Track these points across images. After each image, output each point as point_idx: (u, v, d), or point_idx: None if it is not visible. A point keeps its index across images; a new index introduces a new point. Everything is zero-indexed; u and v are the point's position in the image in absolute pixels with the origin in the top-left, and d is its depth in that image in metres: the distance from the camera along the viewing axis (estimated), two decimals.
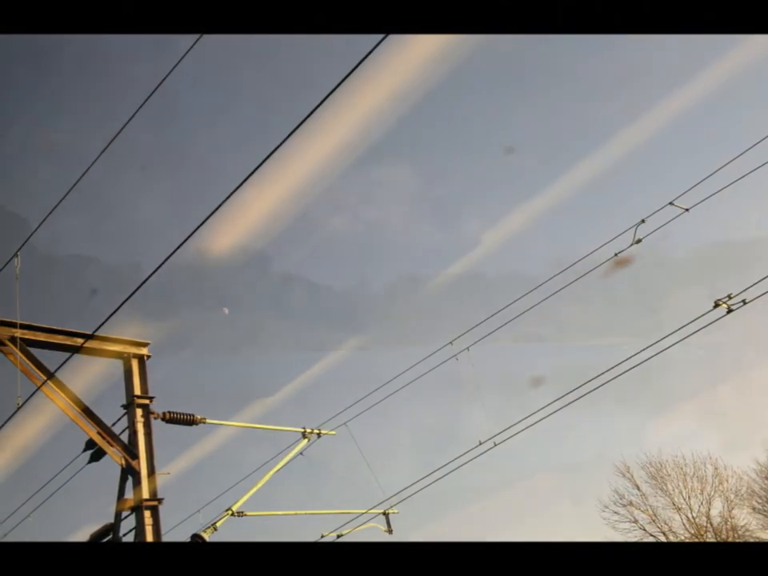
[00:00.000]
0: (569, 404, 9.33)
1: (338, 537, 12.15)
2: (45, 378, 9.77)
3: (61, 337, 10.38)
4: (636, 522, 33.45)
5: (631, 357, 8.89)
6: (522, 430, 9.74)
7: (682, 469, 33.91)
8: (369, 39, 4.44)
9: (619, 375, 8.98)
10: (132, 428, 10.32)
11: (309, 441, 12.85)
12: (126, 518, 10.03)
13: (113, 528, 10.08)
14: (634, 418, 41.17)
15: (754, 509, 33.14)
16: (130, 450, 10.18)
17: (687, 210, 9.35)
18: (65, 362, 9.37)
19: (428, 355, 11.74)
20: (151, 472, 10.13)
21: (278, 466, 12.27)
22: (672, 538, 32.55)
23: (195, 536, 10.76)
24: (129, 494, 10.05)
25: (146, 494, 9.93)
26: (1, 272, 9.37)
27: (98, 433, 10.19)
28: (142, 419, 10.39)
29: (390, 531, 12.81)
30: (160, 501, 10.02)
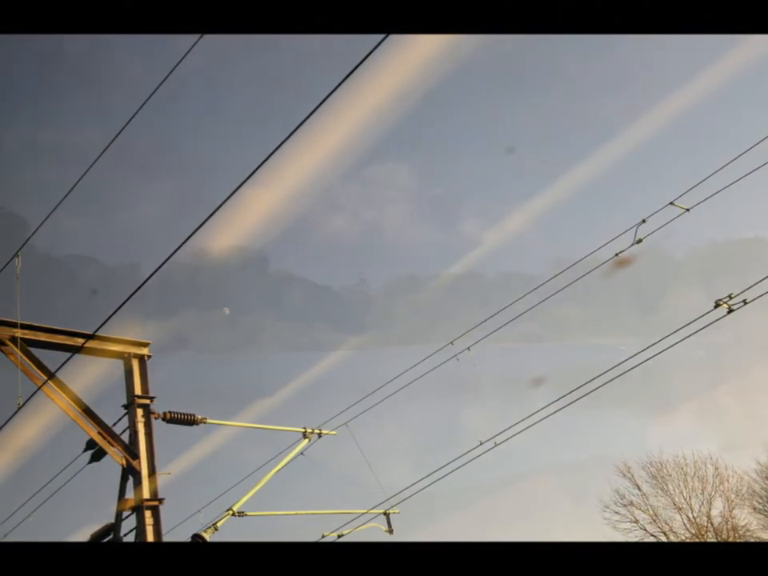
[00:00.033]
0: (569, 404, 9.32)
1: (339, 537, 12.13)
2: (45, 378, 9.77)
3: (61, 337, 10.37)
4: (637, 521, 33.44)
5: (631, 357, 8.88)
6: (523, 430, 9.73)
7: (682, 469, 33.91)
8: (369, 39, 4.45)
9: (619, 375, 8.97)
10: (133, 428, 10.33)
11: (309, 441, 12.86)
12: (126, 518, 10.04)
13: (113, 528, 10.09)
14: (634, 418, 41.23)
15: (754, 509, 33.14)
16: (131, 450, 10.18)
17: (688, 209, 9.35)
18: (65, 362, 9.38)
19: (428, 355, 11.76)
20: (152, 472, 10.14)
21: (279, 466, 12.28)
22: (673, 538, 32.53)
23: (196, 536, 10.76)
24: (129, 494, 10.06)
25: (146, 494, 9.94)
26: (1, 272, 9.38)
27: (99, 433, 10.20)
28: (143, 419, 10.39)
29: (390, 531, 12.81)
30: (161, 501, 10.03)
